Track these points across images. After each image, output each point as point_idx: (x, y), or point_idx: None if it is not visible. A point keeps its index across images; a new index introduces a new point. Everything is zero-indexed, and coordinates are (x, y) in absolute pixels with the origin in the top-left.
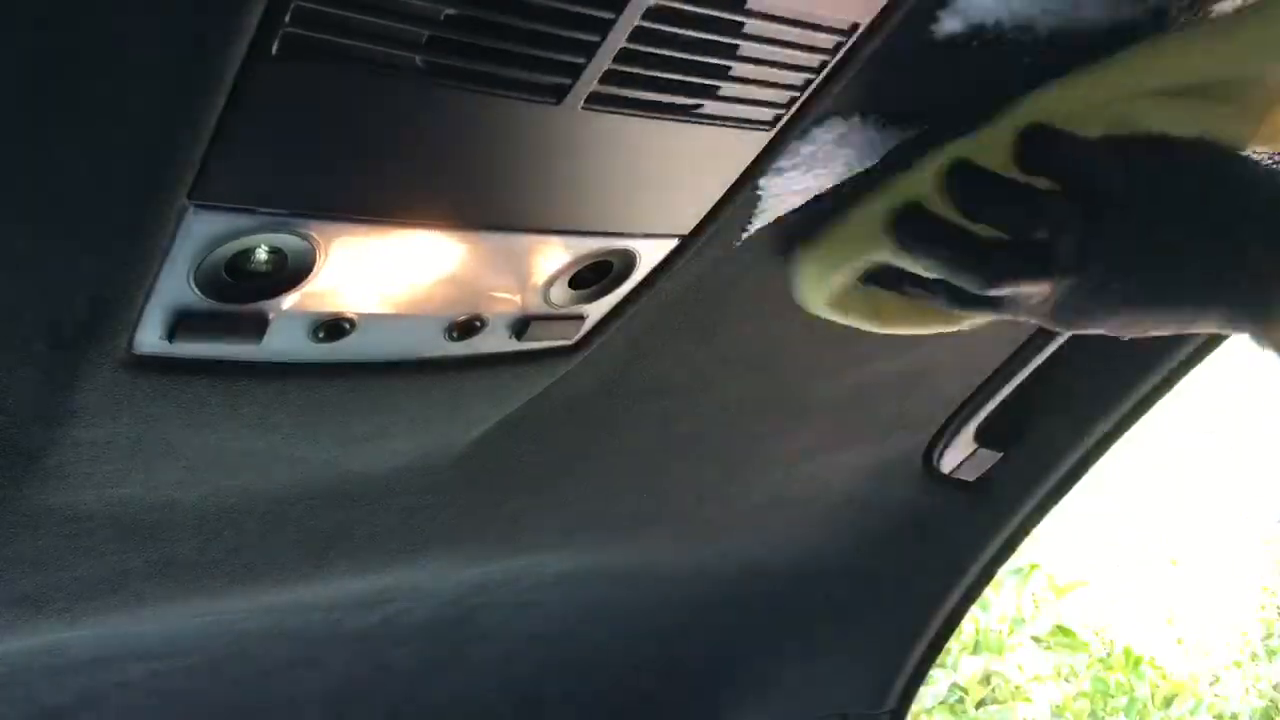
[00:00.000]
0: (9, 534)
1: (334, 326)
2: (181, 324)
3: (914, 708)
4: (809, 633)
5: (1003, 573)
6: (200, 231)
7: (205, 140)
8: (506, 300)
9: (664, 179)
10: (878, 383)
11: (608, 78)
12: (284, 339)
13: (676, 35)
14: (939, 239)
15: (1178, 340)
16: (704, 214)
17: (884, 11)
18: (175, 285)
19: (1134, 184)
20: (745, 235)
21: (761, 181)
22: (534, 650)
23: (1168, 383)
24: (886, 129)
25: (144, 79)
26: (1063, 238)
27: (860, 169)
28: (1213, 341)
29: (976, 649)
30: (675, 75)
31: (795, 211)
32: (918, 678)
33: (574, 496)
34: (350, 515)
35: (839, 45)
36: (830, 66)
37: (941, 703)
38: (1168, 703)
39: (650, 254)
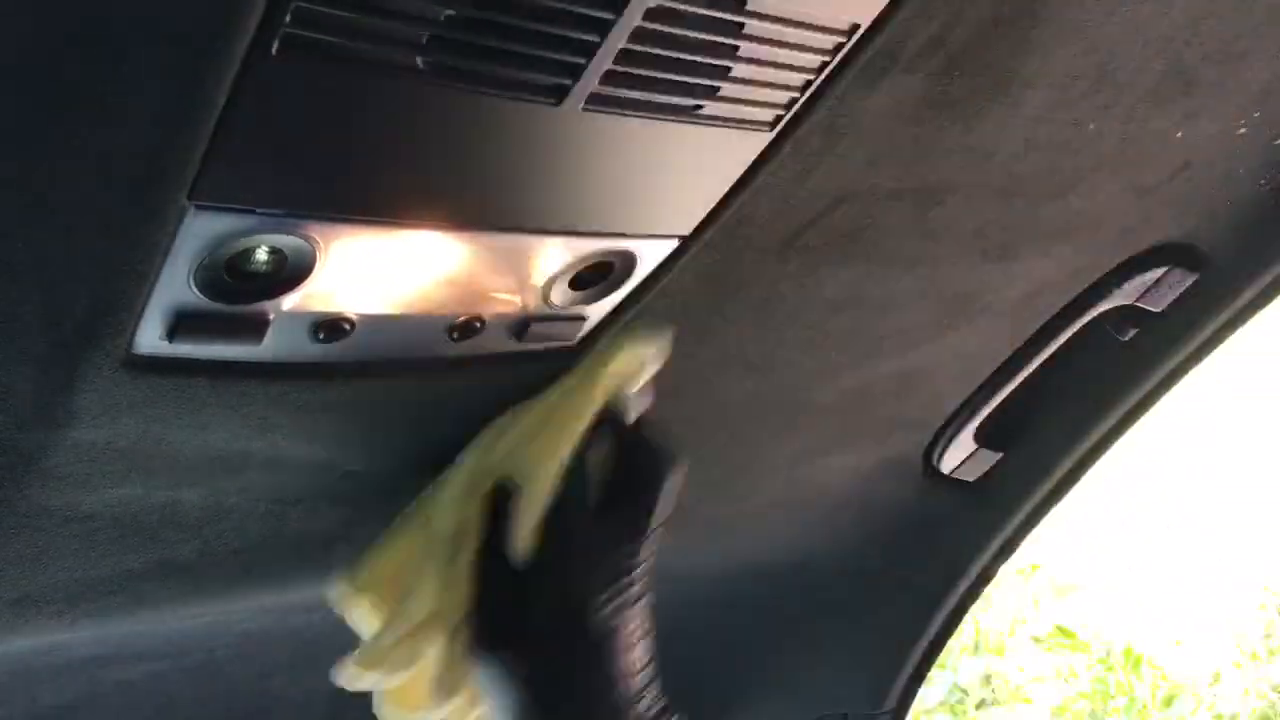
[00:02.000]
0: (9, 535)
1: (334, 327)
2: (182, 324)
3: (914, 707)
4: (809, 633)
5: (1003, 573)
6: (200, 232)
7: (205, 140)
8: (507, 301)
9: (664, 180)
10: (878, 383)
11: (608, 78)
12: (284, 339)
13: (677, 36)
14: None
15: (1177, 340)
16: (704, 215)
17: (884, 13)
18: (175, 285)
19: None
20: (745, 237)
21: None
22: None
23: (1167, 383)
24: None
25: (144, 79)
26: None
27: None
28: (1213, 341)
29: (976, 649)
30: (675, 76)
31: None
32: (918, 678)
33: None
34: (351, 516)
35: (839, 46)
36: (830, 68)
37: (941, 703)
38: (1168, 703)
39: (651, 255)
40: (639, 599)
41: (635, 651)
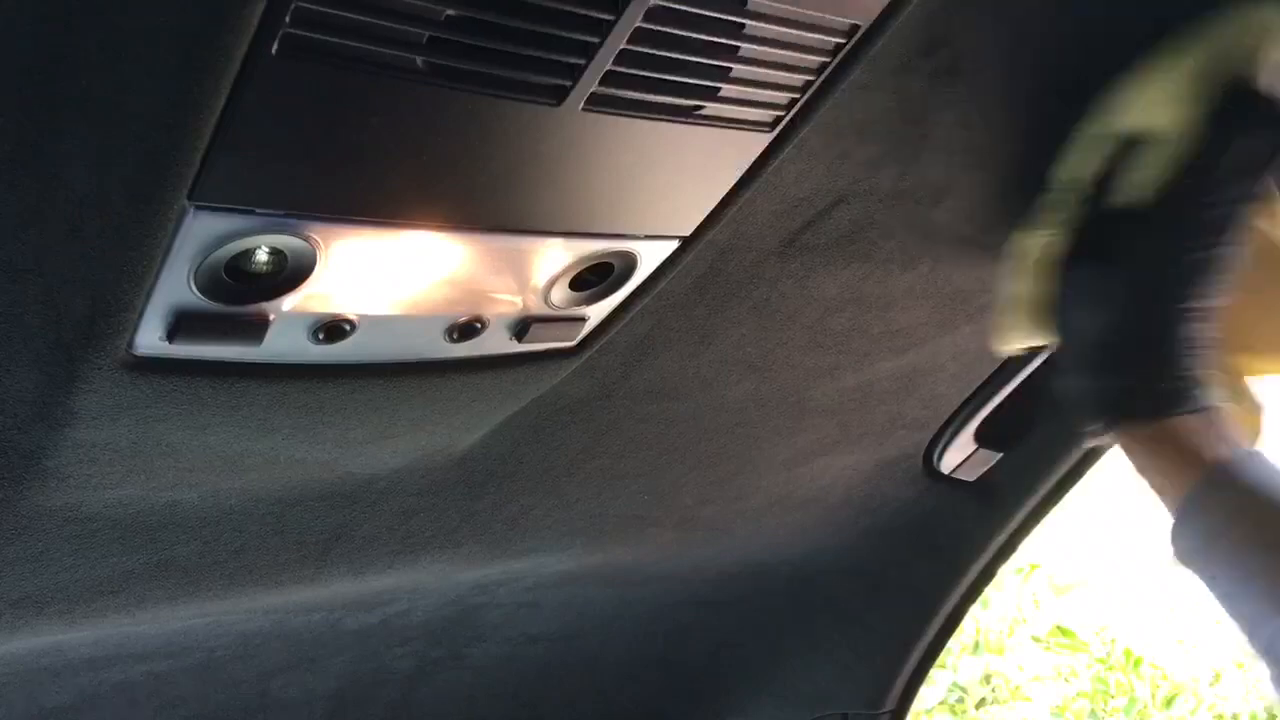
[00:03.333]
0: (10, 536)
1: (334, 328)
2: (182, 325)
3: (914, 708)
4: (809, 633)
5: (1003, 573)
6: (200, 232)
7: (205, 140)
8: (507, 302)
9: (664, 181)
10: (878, 383)
11: (608, 79)
12: (284, 340)
13: (676, 37)
14: None
15: None
16: (704, 216)
17: (884, 14)
18: (175, 286)
19: None
20: (746, 237)
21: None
22: (534, 650)
23: None
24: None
25: (144, 79)
26: None
27: None
28: None
29: (976, 649)
30: (675, 77)
31: None
32: (918, 678)
33: (575, 498)
34: (351, 516)
35: (839, 47)
36: (830, 69)
37: (941, 703)
38: (1168, 703)
39: (651, 256)
40: (1231, 241)
41: (1206, 301)
